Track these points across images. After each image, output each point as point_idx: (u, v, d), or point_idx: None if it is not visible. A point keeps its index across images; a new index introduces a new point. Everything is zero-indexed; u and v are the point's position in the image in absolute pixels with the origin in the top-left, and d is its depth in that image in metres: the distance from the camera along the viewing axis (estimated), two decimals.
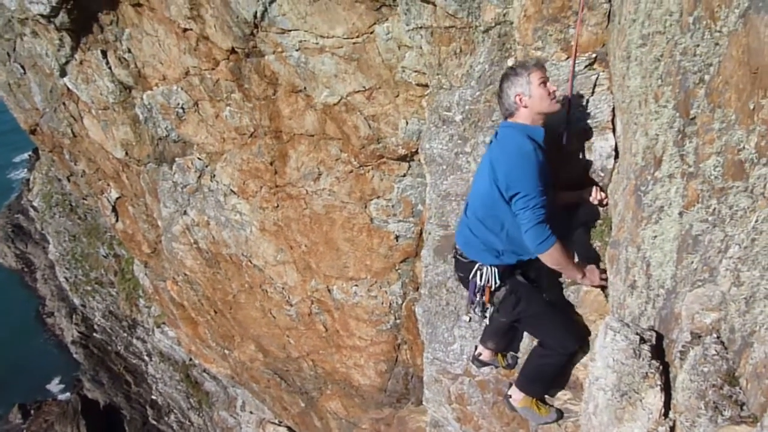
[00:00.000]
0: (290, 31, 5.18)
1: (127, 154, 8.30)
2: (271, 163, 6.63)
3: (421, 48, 4.32)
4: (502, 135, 3.05)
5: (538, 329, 3.46)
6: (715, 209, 1.97)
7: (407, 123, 5.14)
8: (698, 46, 2.02)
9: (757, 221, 1.76)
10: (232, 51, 5.86)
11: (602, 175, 3.36)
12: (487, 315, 3.37)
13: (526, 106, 2.95)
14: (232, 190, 7.44)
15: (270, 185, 6.89)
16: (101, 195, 10.47)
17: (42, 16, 6.91)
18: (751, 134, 1.75)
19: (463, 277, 3.43)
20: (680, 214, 2.20)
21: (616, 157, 3.27)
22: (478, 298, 3.30)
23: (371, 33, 4.77)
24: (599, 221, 3.46)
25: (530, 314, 3.34)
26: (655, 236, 2.41)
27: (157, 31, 6.46)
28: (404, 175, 5.74)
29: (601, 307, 3.37)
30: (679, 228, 2.23)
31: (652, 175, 2.44)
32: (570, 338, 3.33)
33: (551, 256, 2.93)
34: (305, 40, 5.17)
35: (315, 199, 6.56)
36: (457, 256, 3.39)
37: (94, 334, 20.35)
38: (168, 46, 6.50)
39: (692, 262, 2.12)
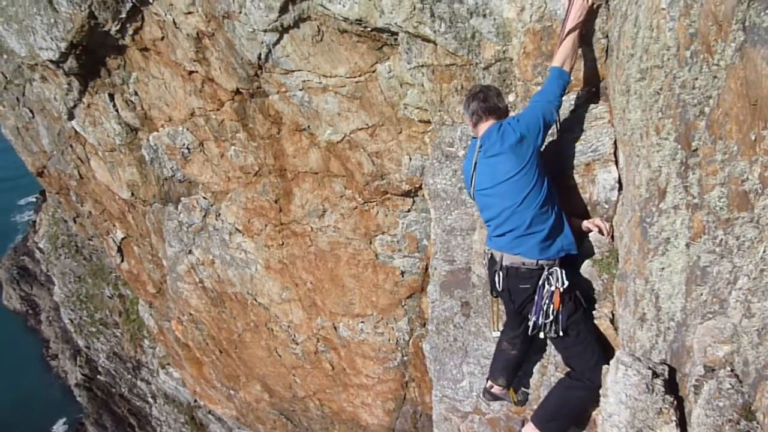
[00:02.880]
0: (294, 71, 5.28)
1: (133, 194, 8.37)
2: (276, 201, 6.67)
3: (422, 85, 4.39)
4: (497, 127, 3.22)
5: (576, 348, 3.25)
6: (722, 240, 1.96)
7: (410, 159, 5.18)
8: (697, 79, 2.04)
9: (765, 252, 1.75)
10: (237, 92, 5.97)
11: (606, 207, 3.37)
12: (544, 329, 3.17)
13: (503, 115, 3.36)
14: (237, 229, 7.47)
15: (275, 223, 6.91)
16: (107, 235, 10.51)
17: (51, 61, 7.07)
18: (754, 165, 1.75)
19: (522, 290, 3.26)
20: (687, 245, 2.19)
21: (620, 189, 3.27)
22: (545, 307, 3.13)
23: (373, 72, 4.85)
24: (606, 253, 3.44)
25: (580, 327, 3.21)
26: (663, 268, 2.40)
27: (164, 74, 6.60)
28: (409, 211, 5.75)
29: (611, 341, 3.33)
30: (686, 259, 2.21)
31: (657, 207, 2.44)
32: (601, 370, 3.25)
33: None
34: (308, 80, 5.26)
35: (320, 236, 6.57)
36: (522, 268, 3.21)
37: (98, 376, 20.13)
38: (174, 88, 6.62)
39: (701, 294, 2.10)
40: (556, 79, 3.16)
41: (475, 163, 3.29)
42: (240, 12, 5.06)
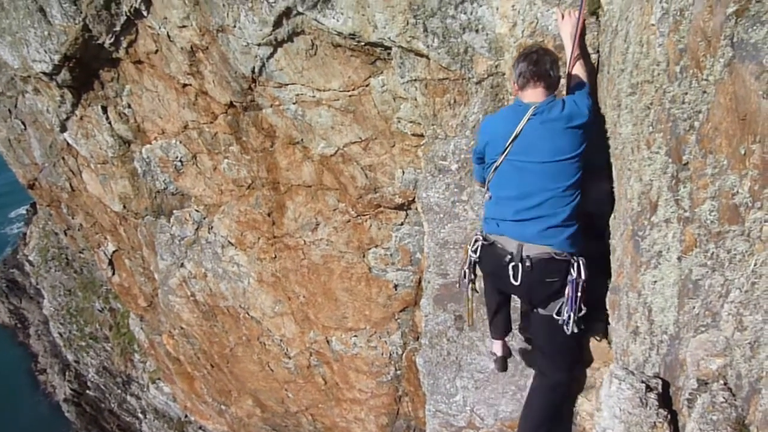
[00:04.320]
0: (287, 85, 5.30)
1: (125, 207, 8.33)
2: (269, 214, 6.66)
3: (415, 99, 4.42)
4: (564, 105, 2.95)
5: (570, 342, 3.20)
6: (713, 253, 1.97)
7: (403, 172, 5.19)
8: (686, 94, 2.07)
9: (756, 265, 1.77)
10: (231, 105, 5.98)
11: (599, 220, 3.38)
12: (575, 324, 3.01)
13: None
14: (229, 242, 7.44)
15: (268, 236, 6.89)
16: (98, 248, 10.44)
17: (44, 74, 7.06)
18: (744, 179, 1.77)
19: (547, 284, 3.02)
20: (679, 258, 2.20)
21: (612, 202, 3.29)
22: (578, 301, 2.96)
23: (367, 86, 4.87)
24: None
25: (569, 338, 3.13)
26: (655, 281, 2.41)
27: (157, 86, 6.60)
28: (402, 224, 5.75)
29: (604, 354, 3.33)
30: (678, 273, 2.22)
31: (649, 220, 2.45)
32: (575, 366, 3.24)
33: None
34: (302, 94, 5.28)
35: (313, 250, 6.55)
36: (555, 259, 2.94)
37: (87, 392, 19.87)
38: (167, 101, 6.62)
39: (694, 308, 2.11)
40: (588, 86, 3.05)
41: (522, 129, 2.91)
42: (234, 26, 5.09)
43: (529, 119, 2.90)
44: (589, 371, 3.42)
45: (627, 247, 2.75)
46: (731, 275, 1.88)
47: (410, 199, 5.34)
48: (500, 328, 3.61)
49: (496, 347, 3.74)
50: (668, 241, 2.29)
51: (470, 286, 3.41)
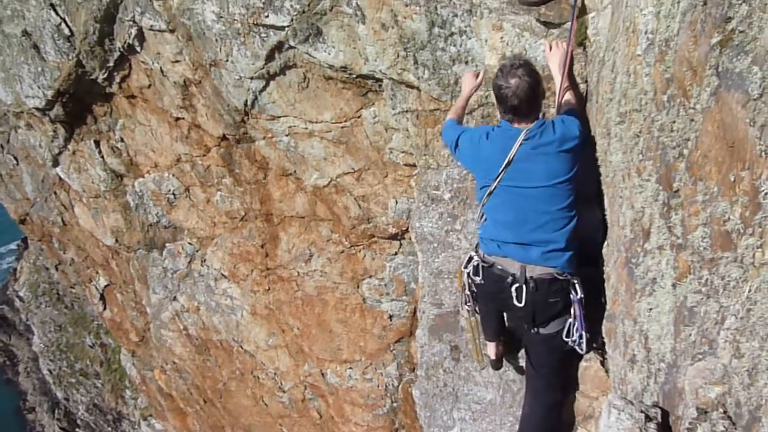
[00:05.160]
0: (280, 117, 5.34)
1: (117, 241, 8.28)
2: (262, 246, 6.63)
3: (407, 130, 4.46)
4: (555, 127, 2.95)
5: (571, 360, 3.25)
6: (707, 280, 1.97)
7: (397, 202, 5.21)
8: (674, 122, 2.09)
9: (750, 291, 1.76)
10: (223, 138, 6.01)
11: (592, 248, 3.38)
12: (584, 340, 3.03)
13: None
14: (222, 274, 7.39)
15: (261, 268, 6.85)
16: (89, 283, 10.34)
17: (37, 109, 7.10)
18: (734, 205, 1.78)
19: (551, 305, 3.04)
20: (673, 285, 2.20)
21: (605, 229, 3.30)
22: (582, 318, 2.99)
23: (358, 117, 4.92)
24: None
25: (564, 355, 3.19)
26: (651, 309, 2.40)
27: (150, 120, 6.64)
28: (396, 254, 5.74)
29: (602, 383, 3.29)
30: (673, 300, 2.22)
31: (642, 247, 2.46)
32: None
33: None
34: (294, 126, 5.32)
35: (307, 281, 6.51)
36: (558, 280, 2.97)
37: (77, 430, 19.42)
38: (160, 135, 6.65)
39: (690, 335, 2.09)
40: (578, 113, 3.10)
41: (514, 155, 2.91)
42: (227, 60, 5.14)
43: (521, 144, 2.90)
44: (587, 401, 3.38)
45: (621, 275, 2.74)
46: (726, 302, 1.88)
47: (404, 228, 5.35)
48: (493, 331, 3.64)
49: (490, 349, 3.76)
50: (662, 268, 2.29)
51: (473, 310, 3.44)
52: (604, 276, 3.25)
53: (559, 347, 3.08)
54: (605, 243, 3.29)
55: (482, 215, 3.23)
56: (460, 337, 4.23)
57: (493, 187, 3.03)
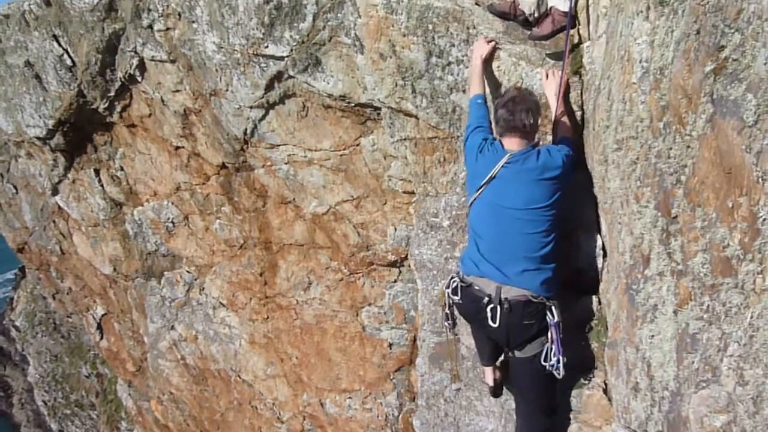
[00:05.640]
0: (279, 145, 5.37)
1: (115, 269, 8.25)
2: (261, 274, 6.60)
3: (406, 158, 4.48)
4: (539, 155, 3.05)
5: (555, 385, 3.23)
6: (708, 306, 1.96)
7: (396, 230, 5.21)
8: (671, 149, 2.11)
9: (752, 317, 1.75)
10: (223, 166, 6.03)
11: (592, 274, 3.38)
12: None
13: (534, 133, 3.18)
14: (221, 303, 7.34)
15: (260, 296, 6.81)
16: (86, 312, 10.26)
17: (38, 138, 7.14)
18: (733, 231, 1.78)
19: (525, 327, 3.06)
20: (675, 312, 2.19)
21: (605, 256, 3.30)
22: (559, 342, 3.02)
23: (357, 145, 4.95)
24: (594, 321, 3.43)
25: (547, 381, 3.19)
26: (653, 336, 2.38)
27: (150, 149, 6.67)
28: (395, 281, 5.72)
29: (605, 412, 3.25)
30: (675, 326, 2.20)
31: (642, 274, 2.45)
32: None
33: None
34: (294, 154, 5.35)
35: (305, 309, 6.47)
36: (532, 302, 3.00)
37: None
38: (160, 164, 6.68)
39: (693, 362, 2.07)
40: (570, 141, 3.19)
41: (497, 173, 3.04)
42: (227, 90, 5.20)
43: (503, 166, 3.04)
44: (590, 430, 3.34)
45: (622, 301, 2.73)
46: (728, 328, 1.87)
47: (403, 256, 5.33)
48: (487, 355, 3.64)
49: (488, 375, 3.76)
50: (663, 295, 2.28)
51: (452, 329, 3.48)
52: (605, 302, 3.23)
53: (539, 371, 3.09)
54: (605, 270, 3.29)
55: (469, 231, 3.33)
56: (461, 366, 4.18)
57: (474, 198, 3.17)
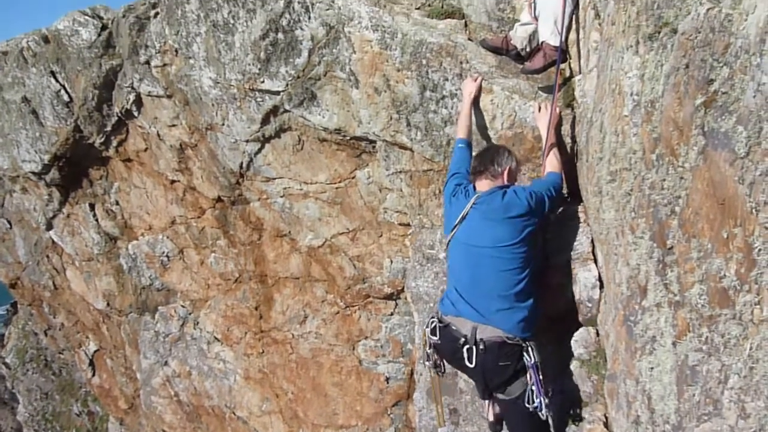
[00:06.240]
0: (275, 179, 5.39)
1: (108, 304, 8.16)
2: (256, 308, 6.54)
3: (401, 190, 4.50)
4: (504, 195, 3.13)
5: (540, 422, 3.13)
6: (707, 338, 1.95)
7: (392, 262, 5.19)
8: (664, 180, 2.12)
9: (751, 349, 1.74)
10: (218, 199, 6.04)
11: (590, 305, 3.36)
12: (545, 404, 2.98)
13: (506, 179, 3.27)
14: (215, 338, 7.25)
15: (255, 330, 6.74)
16: (78, 348, 10.11)
17: (33, 173, 7.14)
18: (729, 262, 1.78)
19: (501, 368, 3.04)
20: (674, 344, 2.17)
21: (601, 287, 3.29)
22: (539, 384, 2.97)
23: (353, 178, 4.97)
24: (593, 353, 3.39)
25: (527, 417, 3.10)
26: (652, 368, 2.35)
27: (146, 183, 6.68)
28: (391, 314, 5.67)
29: None
30: (674, 358, 2.18)
31: (640, 305, 2.44)
32: None
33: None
34: (289, 187, 5.36)
35: (301, 343, 6.39)
36: (508, 343, 2.99)
37: None
38: (155, 198, 6.68)
39: (694, 395, 2.05)
40: (556, 175, 3.27)
41: (467, 214, 3.16)
42: (223, 124, 5.24)
43: (472, 206, 3.15)
44: None
45: (620, 333, 2.71)
46: (728, 360, 1.85)
47: (399, 288, 5.30)
48: (481, 390, 3.52)
49: (487, 410, 3.71)
50: (661, 326, 2.27)
51: (434, 369, 3.38)
52: (603, 334, 3.21)
53: (525, 412, 3.03)
54: (602, 300, 3.27)
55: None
56: (459, 400, 4.12)
57: (449, 239, 3.27)
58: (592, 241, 3.31)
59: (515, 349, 2.99)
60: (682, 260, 2.05)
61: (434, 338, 3.22)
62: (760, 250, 1.64)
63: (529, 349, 2.99)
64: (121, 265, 7.58)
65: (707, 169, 1.84)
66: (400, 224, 4.93)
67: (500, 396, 3.13)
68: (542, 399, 2.95)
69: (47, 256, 8.62)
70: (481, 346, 2.99)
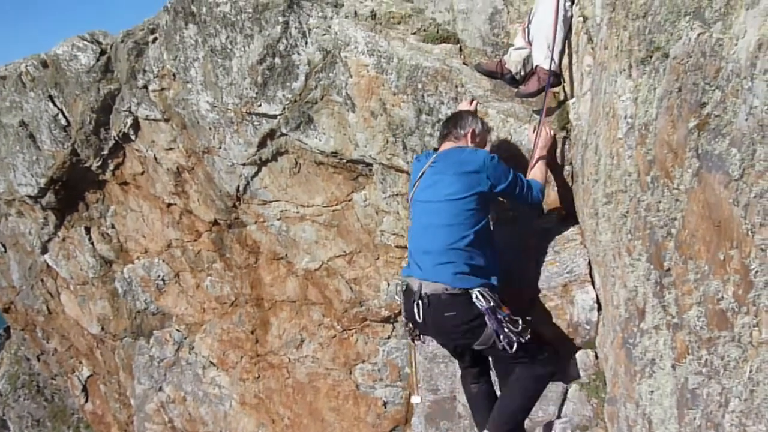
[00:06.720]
0: (271, 202, 5.39)
1: (103, 329, 8.08)
2: (252, 332, 6.49)
3: (398, 213, 4.51)
4: (462, 151, 3.23)
5: (530, 353, 3.11)
6: (707, 360, 1.93)
7: (389, 285, 5.17)
8: (660, 202, 2.13)
9: (751, 371, 1.73)
10: (215, 222, 6.03)
11: (588, 327, 3.34)
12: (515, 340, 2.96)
13: (470, 142, 3.32)
14: (211, 362, 7.17)
15: (251, 355, 6.67)
16: (72, 374, 9.98)
17: (29, 197, 7.13)
18: (727, 284, 1.78)
19: (448, 319, 3.04)
20: (673, 366, 2.16)
21: (599, 309, 3.28)
22: (500, 323, 2.94)
23: (349, 200, 4.98)
24: (593, 376, 3.37)
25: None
26: (652, 391, 2.33)
27: (142, 206, 6.67)
28: (389, 337, 5.63)
29: None
30: (674, 381, 2.16)
31: (638, 327, 2.43)
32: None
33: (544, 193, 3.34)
34: (286, 210, 5.36)
35: (298, 368, 6.33)
36: (444, 295, 2.99)
37: None
38: (152, 221, 6.67)
39: (695, 419, 2.03)
40: (535, 182, 3.29)
41: (423, 173, 3.28)
42: (220, 147, 5.26)
43: (429, 165, 3.27)
44: None
45: (619, 356, 2.69)
46: (728, 383, 1.83)
47: (396, 311, 5.27)
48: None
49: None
50: (660, 349, 2.25)
51: (409, 335, 3.38)
52: (602, 357, 3.19)
53: (506, 358, 3.06)
54: (600, 323, 3.26)
55: None
56: (458, 424, 4.07)
57: (409, 199, 3.42)
58: (589, 263, 3.31)
59: (459, 299, 2.99)
60: (679, 282, 2.05)
61: (399, 300, 3.31)
62: (756, 271, 1.64)
63: (477, 295, 2.98)
64: (116, 289, 7.53)
65: (702, 191, 1.85)
66: (396, 247, 4.92)
67: (480, 350, 3.13)
68: (510, 337, 2.94)
69: (42, 280, 8.56)
70: (425, 300, 3.03)
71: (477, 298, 2.97)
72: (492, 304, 2.97)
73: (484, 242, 3.13)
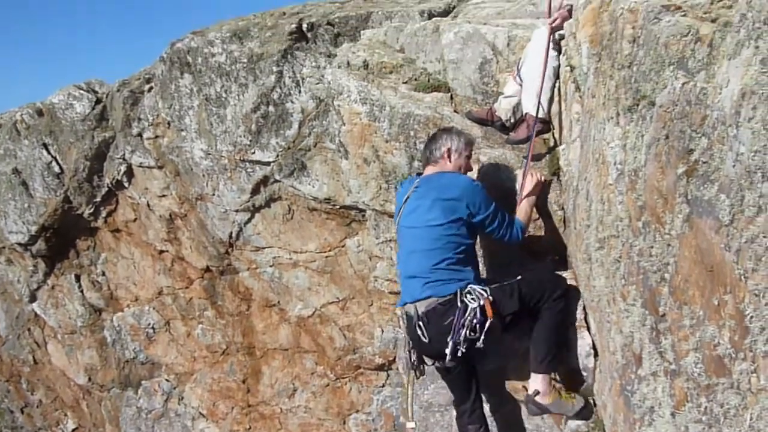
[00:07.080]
0: (264, 248, 5.37)
1: (90, 379, 7.89)
2: (244, 381, 6.35)
3: (391, 258, 4.49)
4: (442, 176, 3.24)
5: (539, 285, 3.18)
6: (706, 408, 1.90)
7: (383, 331, 5.11)
8: (652, 247, 2.14)
9: (751, 419, 1.70)
10: (207, 269, 5.98)
11: (585, 374, 3.30)
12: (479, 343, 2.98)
13: (449, 162, 3.31)
14: (200, 413, 6.98)
15: (242, 405, 6.51)
16: (56, 427, 9.67)
17: (20, 244, 7.06)
18: (722, 329, 1.77)
19: (446, 327, 3.03)
20: (672, 414, 2.12)
21: (596, 355, 3.24)
22: (476, 321, 2.95)
23: (342, 246, 4.97)
24: (591, 425, 3.30)
25: (529, 280, 3.16)
26: None
27: (134, 254, 6.62)
28: (383, 386, 5.52)
29: None
30: (674, 430, 2.12)
31: (636, 374, 2.40)
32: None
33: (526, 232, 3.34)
34: (279, 256, 5.34)
35: (290, 418, 6.17)
36: (438, 305, 3.04)
37: None
38: (143, 268, 6.61)
39: None
40: (517, 220, 3.31)
41: (407, 198, 3.29)
42: (213, 194, 5.27)
43: (413, 190, 3.28)
44: None
45: (618, 403, 2.65)
46: (729, 431, 1.80)
47: (391, 359, 5.19)
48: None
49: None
50: (659, 396, 2.22)
51: (415, 369, 3.40)
52: (600, 404, 3.13)
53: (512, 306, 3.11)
54: (597, 369, 3.22)
55: None
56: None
57: (396, 228, 3.42)
58: (584, 309, 3.29)
59: (451, 302, 3.03)
60: (675, 328, 2.04)
61: (402, 331, 3.35)
62: (752, 317, 1.63)
63: (465, 294, 3.01)
64: (105, 338, 7.39)
65: (694, 236, 1.86)
66: (390, 293, 4.88)
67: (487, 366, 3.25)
68: (455, 339, 2.97)
69: (29, 330, 8.40)
70: (425, 318, 3.07)
71: (465, 295, 3.02)
72: (482, 303, 2.99)
73: (470, 259, 3.19)
